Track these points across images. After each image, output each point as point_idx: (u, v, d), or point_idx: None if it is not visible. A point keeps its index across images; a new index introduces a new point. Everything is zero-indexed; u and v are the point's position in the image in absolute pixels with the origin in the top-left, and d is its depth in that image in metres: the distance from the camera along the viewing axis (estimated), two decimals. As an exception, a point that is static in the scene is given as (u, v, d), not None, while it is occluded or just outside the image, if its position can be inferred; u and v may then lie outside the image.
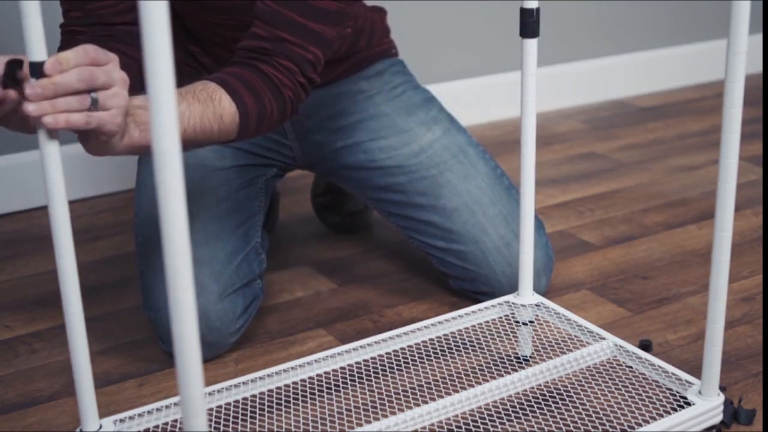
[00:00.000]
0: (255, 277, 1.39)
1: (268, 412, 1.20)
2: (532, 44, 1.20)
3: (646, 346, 1.34)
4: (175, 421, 1.10)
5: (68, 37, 1.28)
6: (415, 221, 1.49)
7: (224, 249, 1.35)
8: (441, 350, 1.33)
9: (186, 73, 1.44)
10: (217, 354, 1.35)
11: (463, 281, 1.48)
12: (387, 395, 1.25)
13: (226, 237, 1.36)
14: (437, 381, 1.28)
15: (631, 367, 1.21)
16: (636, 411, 1.19)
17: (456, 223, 1.45)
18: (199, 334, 1.29)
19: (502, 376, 1.24)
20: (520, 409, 1.21)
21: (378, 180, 1.49)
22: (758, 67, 2.72)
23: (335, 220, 1.79)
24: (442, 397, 1.23)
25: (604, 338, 1.23)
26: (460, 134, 1.52)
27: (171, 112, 0.68)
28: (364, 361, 1.24)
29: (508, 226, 1.45)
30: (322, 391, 1.24)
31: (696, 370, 1.25)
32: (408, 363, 1.30)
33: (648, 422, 1.16)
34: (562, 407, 1.22)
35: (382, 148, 1.49)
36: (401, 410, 1.21)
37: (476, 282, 1.46)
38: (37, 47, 0.90)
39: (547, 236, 1.53)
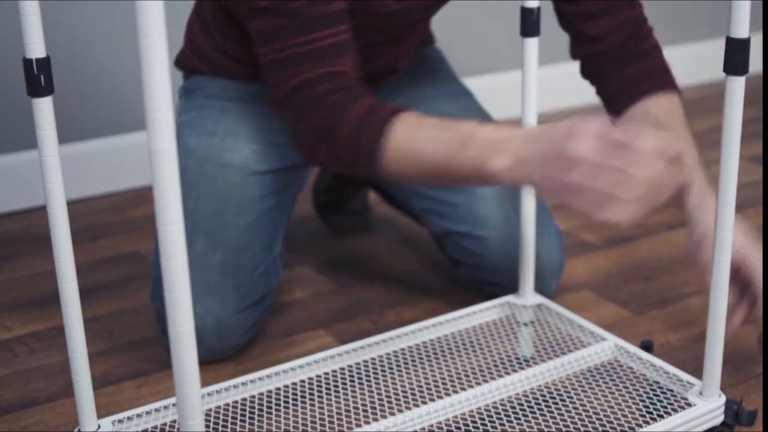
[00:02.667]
0: (270, 291, 1.39)
1: (267, 413, 1.20)
2: (533, 43, 1.20)
3: (647, 346, 1.33)
4: (174, 421, 1.09)
5: None
6: (441, 202, 1.47)
7: (250, 260, 1.35)
8: (441, 351, 1.32)
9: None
10: (217, 359, 1.35)
11: (477, 270, 1.47)
12: (387, 396, 1.24)
13: (253, 247, 1.36)
14: (437, 382, 1.28)
15: (631, 367, 1.20)
16: (637, 412, 1.19)
17: (483, 207, 1.45)
18: (207, 341, 1.30)
19: (502, 377, 1.23)
20: (520, 410, 1.21)
21: None
22: (758, 67, 2.71)
23: (336, 220, 1.79)
24: (442, 398, 1.23)
25: (604, 339, 1.22)
26: None
27: (167, 112, 0.67)
28: (364, 361, 1.24)
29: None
30: (321, 392, 1.23)
31: (698, 371, 1.25)
32: (408, 364, 1.29)
33: (648, 423, 1.15)
34: (563, 408, 1.21)
35: None
36: (401, 411, 1.20)
37: (491, 272, 1.46)
38: (35, 47, 0.90)
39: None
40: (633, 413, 1.19)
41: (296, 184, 1.47)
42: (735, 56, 0.96)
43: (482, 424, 1.17)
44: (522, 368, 1.29)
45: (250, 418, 1.17)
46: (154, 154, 0.68)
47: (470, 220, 1.45)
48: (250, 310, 1.34)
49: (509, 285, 1.42)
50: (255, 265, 1.35)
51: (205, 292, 1.30)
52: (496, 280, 1.45)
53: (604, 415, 1.19)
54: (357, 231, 1.79)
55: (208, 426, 1.12)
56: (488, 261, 1.45)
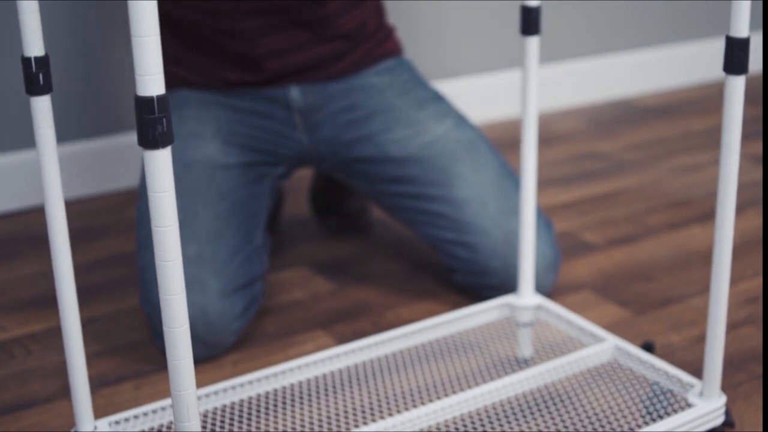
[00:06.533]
0: (255, 278, 1.38)
1: (265, 414, 1.19)
2: (533, 42, 1.19)
3: (649, 347, 1.32)
4: (171, 423, 1.09)
5: None
6: (425, 213, 1.47)
7: (226, 247, 1.35)
8: (440, 352, 1.32)
9: None
10: (214, 354, 1.34)
11: (471, 275, 1.47)
12: (386, 397, 1.24)
13: (228, 235, 1.36)
14: (436, 383, 1.27)
15: (631, 368, 1.20)
16: (637, 413, 1.18)
17: (467, 213, 1.44)
18: (197, 333, 1.30)
19: (501, 378, 1.22)
20: (520, 411, 1.20)
21: (389, 172, 1.48)
22: (758, 66, 2.71)
23: (334, 221, 1.78)
24: (441, 399, 1.22)
25: (604, 339, 1.21)
26: (471, 129, 1.52)
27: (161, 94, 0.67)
28: (363, 362, 1.23)
29: (518, 219, 1.44)
30: (320, 393, 1.23)
31: (700, 371, 1.24)
32: (407, 365, 1.29)
33: (648, 424, 1.14)
34: (562, 409, 1.21)
35: (393, 140, 1.48)
36: (400, 412, 1.20)
37: (485, 276, 1.45)
38: (34, 45, 0.90)
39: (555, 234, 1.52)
40: (633, 414, 1.18)
41: (268, 179, 1.47)
42: (735, 55, 0.95)
43: (481, 426, 1.17)
44: (521, 369, 1.29)
45: (247, 419, 1.17)
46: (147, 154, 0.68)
47: (457, 228, 1.45)
48: (233, 297, 1.33)
49: (505, 287, 1.42)
50: (232, 253, 1.35)
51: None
52: (493, 283, 1.45)
53: (604, 416, 1.18)
54: (355, 232, 1.78)
55: (205, 427, 1.12)
56: (481, 266, 1.44)
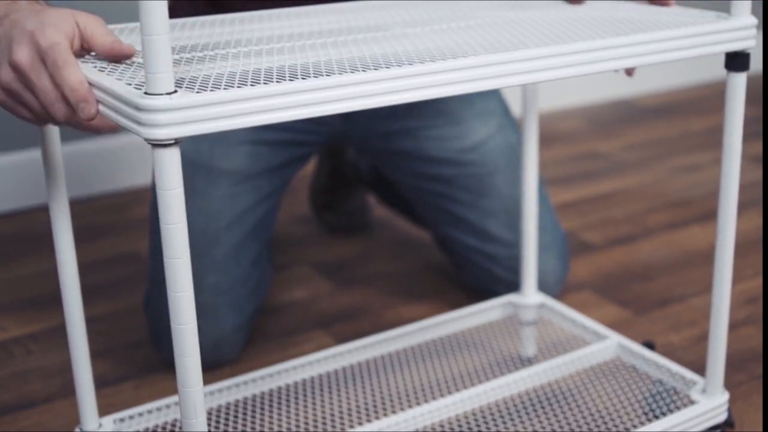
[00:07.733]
0: (260, 304, 1.39)
1: (267, 412, 1.19)
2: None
3: (649, 347, 1.32)
4: (175, 420, 1.09)
5: None
6: (452, 215, 1.45)
7: (242, 277, 1.34)
8: (443, 350, 1.32)
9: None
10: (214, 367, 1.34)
11: (480, 279, 1.46)
12: (389, 395, 1.24)
13: (244, 262, 1.34)
14: (439, 381, 1.27)
15: (634, 365, 1.20)
16: (640, 410, 1.18)
17: (494, 226, 1.43)
18: (204, 358, 1.29)
19: (505, 375, 1.22)
20: (523, 408, 1.20)
21: (424, 169, 1.45)
22: (758, 66, 2.71)
23: (334, 220, 1.78)
24: (444, 396, 1.22)
25: (607, 337, 1.22)
26: (513, 131, 1.47)
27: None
28: (365, 360, 1.23)
29: (542, 236, 1.43)
30: (323, 392, 1.23)
31: (700, 371, 1.24)
32: (409, 363, 1.29)
33: (651, 421, 1.14)
34: (565, 406, 1.21)
35: (432, 137, 1.43)
36: (402, 410, 1.20)
37: (494, 282, 1.44)
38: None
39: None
40: (636, 411, 1.18)
41: (283, 185, 1.44)
42: (736, 53, 0.95)
43: (485, 423, 1.17)
44: (525, 367, 1.28)
45: (250, 417, 1.17)
46: (156, 157, 0.68)
47: (481, 237, 1.44)
48: (244, 328, 1.34)
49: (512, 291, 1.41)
50: (246, 280, 1.34)
51: (198, 312, 1.28)
52: (501, 290, 1.44)
53: (607, 413, 1.18)
54: (355, 230, 1.78)
55: (207, 425, 1.12)
56: (495, 275, 1.44)
